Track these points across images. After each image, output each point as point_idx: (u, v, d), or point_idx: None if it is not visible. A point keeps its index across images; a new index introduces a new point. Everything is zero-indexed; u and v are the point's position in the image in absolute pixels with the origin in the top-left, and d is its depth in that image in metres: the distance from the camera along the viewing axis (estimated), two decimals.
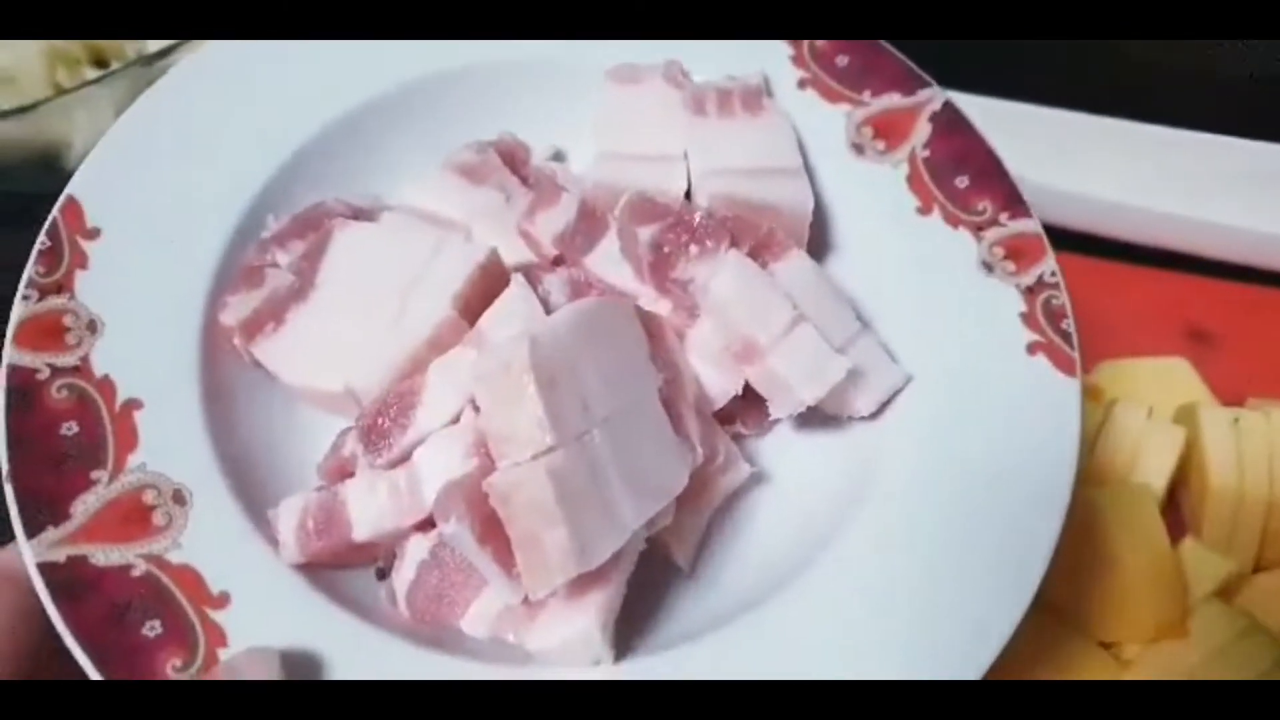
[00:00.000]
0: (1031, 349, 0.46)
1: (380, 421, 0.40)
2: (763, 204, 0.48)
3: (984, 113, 0.53)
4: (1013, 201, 0.50)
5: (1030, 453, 0.43)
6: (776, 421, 0.47)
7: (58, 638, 0.36)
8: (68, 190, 0.47)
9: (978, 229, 0.49)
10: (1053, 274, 0.47)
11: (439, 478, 0.38)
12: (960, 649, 0.39)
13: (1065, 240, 0.55)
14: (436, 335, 0.42)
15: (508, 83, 0.55)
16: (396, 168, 0.53)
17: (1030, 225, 0.49)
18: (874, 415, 0.45)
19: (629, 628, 0.40)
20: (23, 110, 0.60)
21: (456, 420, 0.39)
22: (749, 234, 0.46)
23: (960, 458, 0.43)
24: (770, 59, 0.55)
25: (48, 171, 0.63)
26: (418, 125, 0.54)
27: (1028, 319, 0.46)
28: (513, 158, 0.54)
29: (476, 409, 0.38)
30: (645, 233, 0.45)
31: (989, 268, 0.48)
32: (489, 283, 0.45)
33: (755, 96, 0.52)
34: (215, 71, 0.52)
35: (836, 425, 0.47)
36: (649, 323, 0.44)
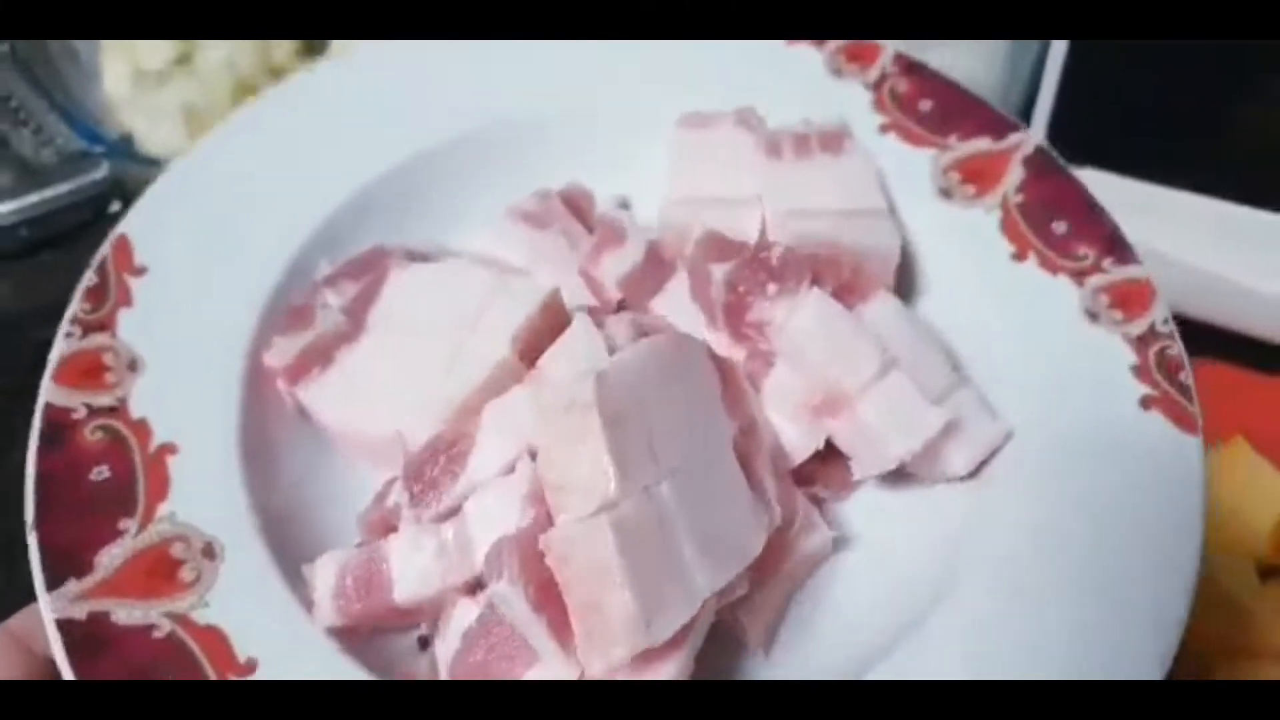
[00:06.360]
0: (1145, 403, 0.41)
1: (427, 469, 0.37)
2: (845, 246, 0.45)
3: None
4: (1116, 246, 0.46)
5: (1149, 522, 0.38)
6: (859, 484, 0.43)
7: None
8: (119, 228, 0.45)
9: (1079, 275, 0.45)
10: (1165, 322, 0.43)
11: (491, 534, 0.34)
12: None
13: None
14: (492, 378, 0.39)
15: (574, 131, 0.53)
16: (458, 216, 0.51)
17: (1138, 271, 0.45)
18: (970, 476, 0.41)
19: None
20: None
21: (512, 470, 0.36)
22: (832, 273, 0.42)
23: (1070, 525, 0.38)
24: (849, 103, 0.52)
25: None
26: (481, 174, 0.52)
27: (1140, 371, 0.42)
28: (577, 205, 0.51)
29: (534, 457, 0.35)
30: (719, 270, 0.42)
31: (1094, 316, 0.44)
32: (550, 324, 0.41)
33: (835, 139, 0.49)
34: (278, 114, 0.51)
35: (925, 488, 0.42)
36: (722, 367, 0.40)
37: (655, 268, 0.46)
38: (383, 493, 0.39)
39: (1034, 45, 0.66)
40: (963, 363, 0.44)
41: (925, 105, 0.51)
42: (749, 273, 0.41)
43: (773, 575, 0.38)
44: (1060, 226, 0.47)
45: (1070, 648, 0.35)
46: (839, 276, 0.42)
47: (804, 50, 0.54)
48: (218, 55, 0.71)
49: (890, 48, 0.54)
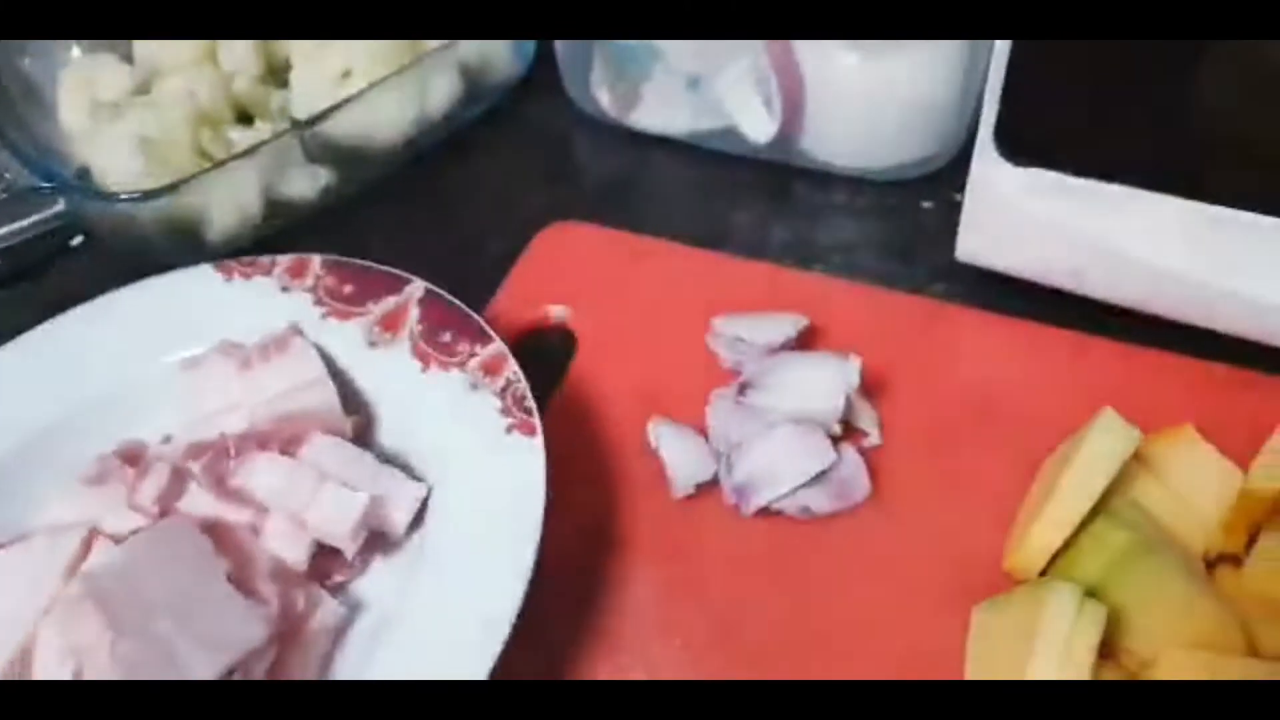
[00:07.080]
0: (510, 429, 0.61)
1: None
2: (300, 412, 0.63)
3: None
4: (482, 337, 0.66)
5: (514, 521, 0.57)
6: (365, 562, 0.61)
7: None
8: None
9: (463, 365, 0.66)
10: (515, 373, 0.64)
11: None
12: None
13: None
14: (48, 604, 0.55)
15: (121, 395, 0.70)
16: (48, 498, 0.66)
17: (496, 347, 0.65)
18: (414, 527, 0.60)
19: None
20: (171, 189, 0.63)
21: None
22: (276, 437, 0.61)
23: (467, 533, 0.57)
24: (298, 307, 0.71)
25: (186, 241, 0.67)
26: (61, 456, 0.68)
27: (504, 410, 0.62)
28: (131, 456, 0.68)
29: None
30: (196, 465, 0.60)
31: (475, 387, 0.64)
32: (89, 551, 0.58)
33: (287, 338, 0.69)
34: None
35: (400, 545, 0.61)
36: (217, 529, 0.57)
37: (176, 479, 0.63)
38: None
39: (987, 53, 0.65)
40: (401, 456, 0.63)
41: (348, 289, 0.72)
42: (218, 459, 0.59)
43: (297, 645, 0.55)
44: (447, 336, 0.67)
45: (431, 654, 0.53)
46: (282, 437, 0.60)
47: (258, 280, 0.73)
48: (176, 85, 0.70)
49: (317, 258, 0.74)
